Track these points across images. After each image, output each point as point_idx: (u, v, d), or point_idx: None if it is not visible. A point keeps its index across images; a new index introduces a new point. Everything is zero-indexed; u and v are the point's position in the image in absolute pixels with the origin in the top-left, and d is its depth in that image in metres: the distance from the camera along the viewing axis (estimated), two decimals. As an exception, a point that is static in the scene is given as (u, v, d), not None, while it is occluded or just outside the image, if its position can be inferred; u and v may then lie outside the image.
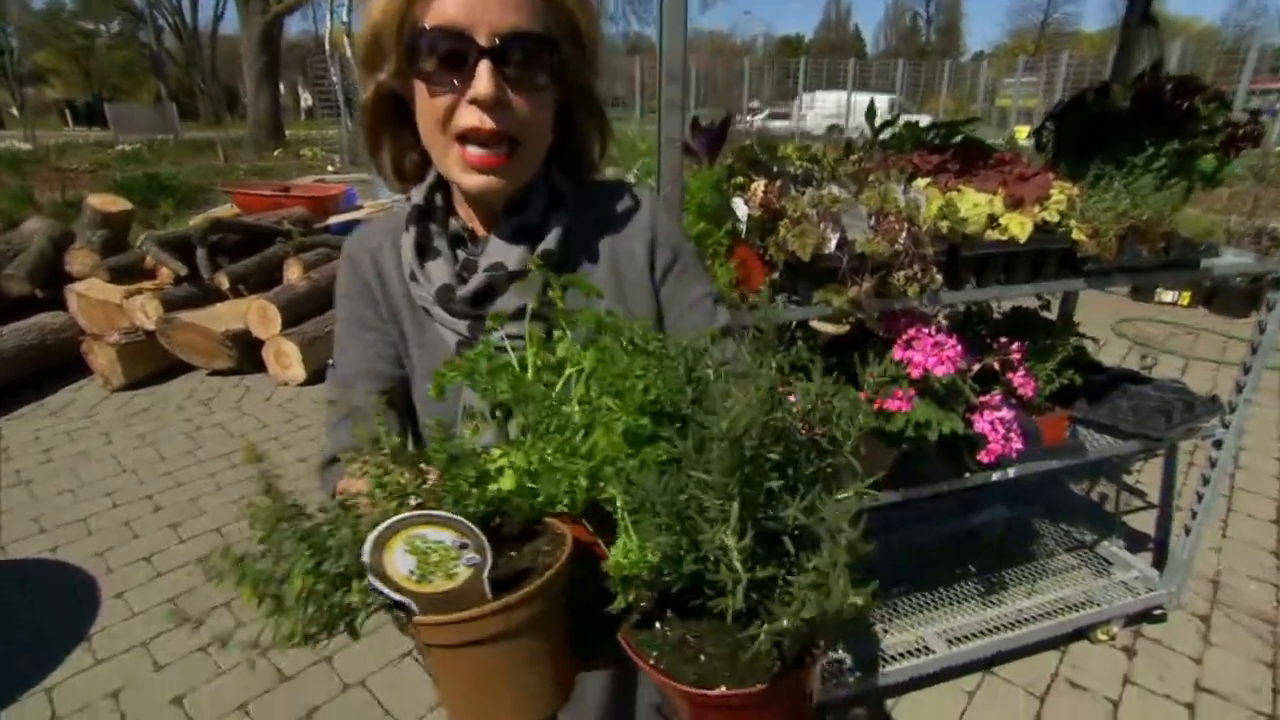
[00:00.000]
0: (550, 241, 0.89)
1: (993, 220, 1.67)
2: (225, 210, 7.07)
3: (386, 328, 0.94)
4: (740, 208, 1.63)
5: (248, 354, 4.55)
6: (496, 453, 0.65)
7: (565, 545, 0.62)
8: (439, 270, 0.89)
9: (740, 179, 1.77)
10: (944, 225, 1.62)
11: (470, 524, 0.55)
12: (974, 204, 1.65)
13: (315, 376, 4.46)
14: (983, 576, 2.38)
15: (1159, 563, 2.40)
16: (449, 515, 0.54)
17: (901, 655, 2.03)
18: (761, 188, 1.67)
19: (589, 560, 0.63)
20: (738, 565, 0.52)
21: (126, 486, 3.34)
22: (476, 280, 0.87)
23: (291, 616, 0.53)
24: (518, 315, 0.86)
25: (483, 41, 0.75)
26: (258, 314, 4.50)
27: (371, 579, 0.54)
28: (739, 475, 0.53)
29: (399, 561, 0.54)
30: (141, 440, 3.78)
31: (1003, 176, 1.72)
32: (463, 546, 0.55)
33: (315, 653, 2.28)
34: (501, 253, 0.88)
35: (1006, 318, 2.16)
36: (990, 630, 2.14)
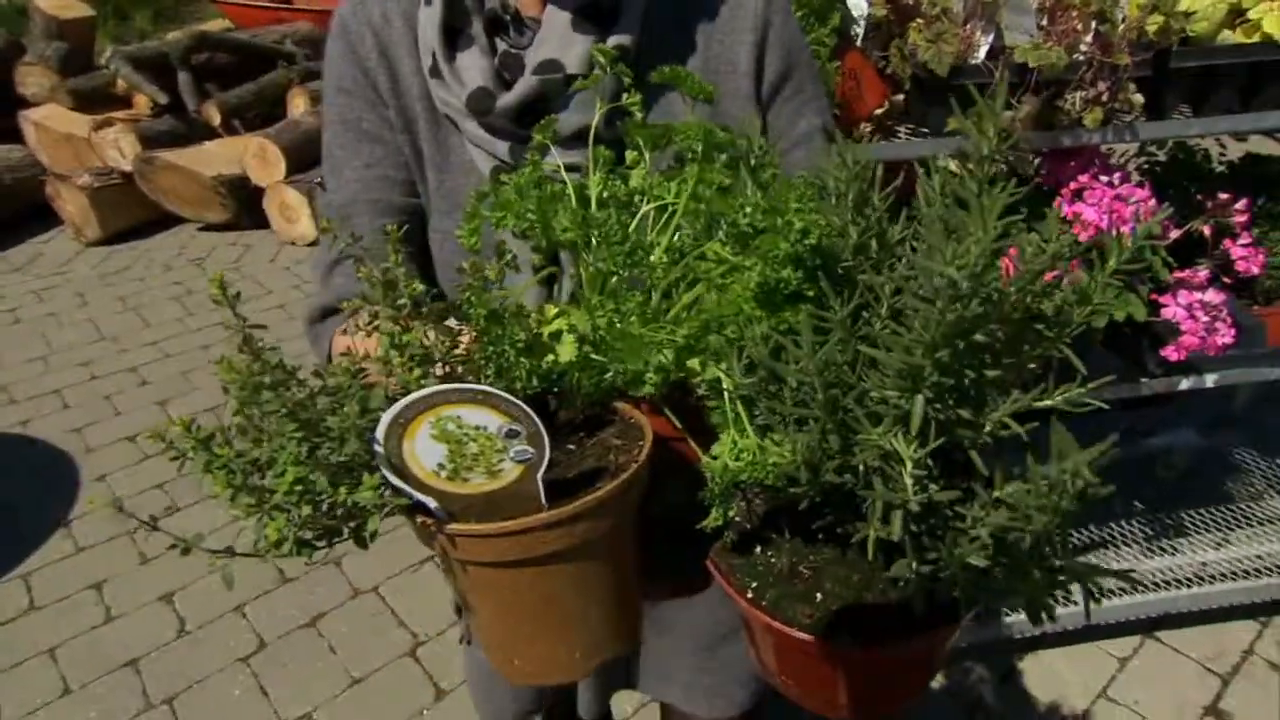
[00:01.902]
0: (626, 30, 0.80)
1: (1235, 14, 1.45)
2: (215, 24, 7.09)
3: (395, 139, 0.87)
4: (859, 4, 1.48)
5: (246, 205, 4.67)
6: (552, 311, 0.61)
7: (644, 440, 0.58)
8: (472, 66, 0.81)
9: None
10: (1152, 23, 1.41)
11: (521, 403, 0.50)
12: (1205, -10, 1.42)
13: (325, 235, 4.55)
14: (1154, 517, 2.26)
15: None
16: (494, 391, 0.50)
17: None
18: (889, -27, 1.50)
19: (672, 461, 0.60)
20: (908, 482, 0.47)
21: (106, 356, 3.56)
22: (525, 85, 0.79)
23: (281, 519, 0.50)
24: (578, 137, 0.78)
25: None
26: (257, 155, 4.57)
27: (386, 473, 0.50)
28: (941, 356, 0.46)
29: (424, 451, 0.50)
30: (123, 304, 4.00)
31: (1256, -53, 1.47)
32: (510, 435, 0.50)
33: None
34: (558, 44, 0.79)
35: (1233, 169, 1.92)
36: (1159, 585, 2.05)
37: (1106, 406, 0.52)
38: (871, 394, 0.49)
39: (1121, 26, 1.38)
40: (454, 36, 0.81)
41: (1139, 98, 1.40)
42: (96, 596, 2.37)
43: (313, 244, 4.54)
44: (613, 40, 0.79)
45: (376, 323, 0.56)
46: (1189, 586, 2.05)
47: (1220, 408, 2.62)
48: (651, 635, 1.07)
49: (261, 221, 4.67)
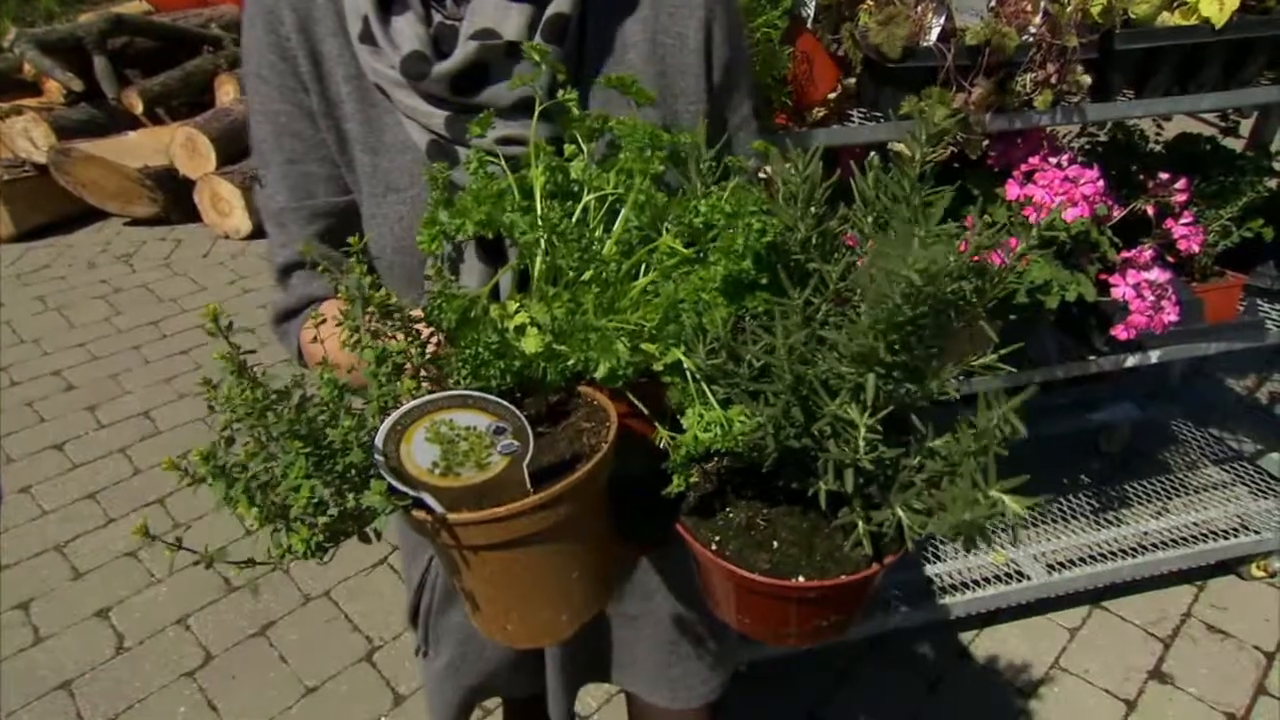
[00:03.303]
0: (562, 1, 0.75)
1: (1172, -1, 1.46)
2: (133, 6, 6.79)
3: (315, 132, 0.82)
4: (808, -16, 1.45)
5: (175, 198, 4.48)
6: (512, 306, 0.65)
7: (610, 422, 0.63)
8: (407, 30, 0.75)
9: (807, -61, 1.57)
10: (1096, 5, 1.41)
11: (509, 405, 0.56)
12: (1146, -29, 1.43)
13: (263, 230, 4.40)
14: (1098, 490, 2.32)
15: (1343, 483, 2.31)
16: (483, 396, 0.55)
17: (986, 580, 2.01)
18: (837, -47, 1.47)
19: (631, 436, 0.65)
20: (860, 445, 0.54)
21: (27, 360, 3.39)
22: (464, 51, 0.74)
23: (303, 529, 0.54)
24: (517, 110, 0.75)
25: None
26: (184, 146, 4.38)
27: (386, 475, 0.55)
28: (893, 340, 0.54)
29: (419, 453, 0.55)
30: (43, 304, 3.82)
31: (1193, -70, 1.48)
32: (498, 431, 0.56)
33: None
34: (494, 12, 0.74)
35: (1169, 148, 1.96)
36: (1103, 556, 2.10)
37: (1037, 383, 0.61)
38: (828, 371, 0.56)
39: (1069, 8, 1.38)
40: (386, 2, 0.76)
41: (1086, 79, 1.41)
42: (23, 616, 2.25)
43: (248, 238, 4.39)
44: (550, 9, 0.75)
45: (357, 337, 0.60)
46: (1132, 556, 2.10)
47: (1156, 382, 2.69)
48: (617, 627, 1.08)
49: (193, 215, 4.49)
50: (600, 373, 0.60)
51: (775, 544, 0.62)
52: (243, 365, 0.55)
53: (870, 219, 0.63)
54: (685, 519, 0.65)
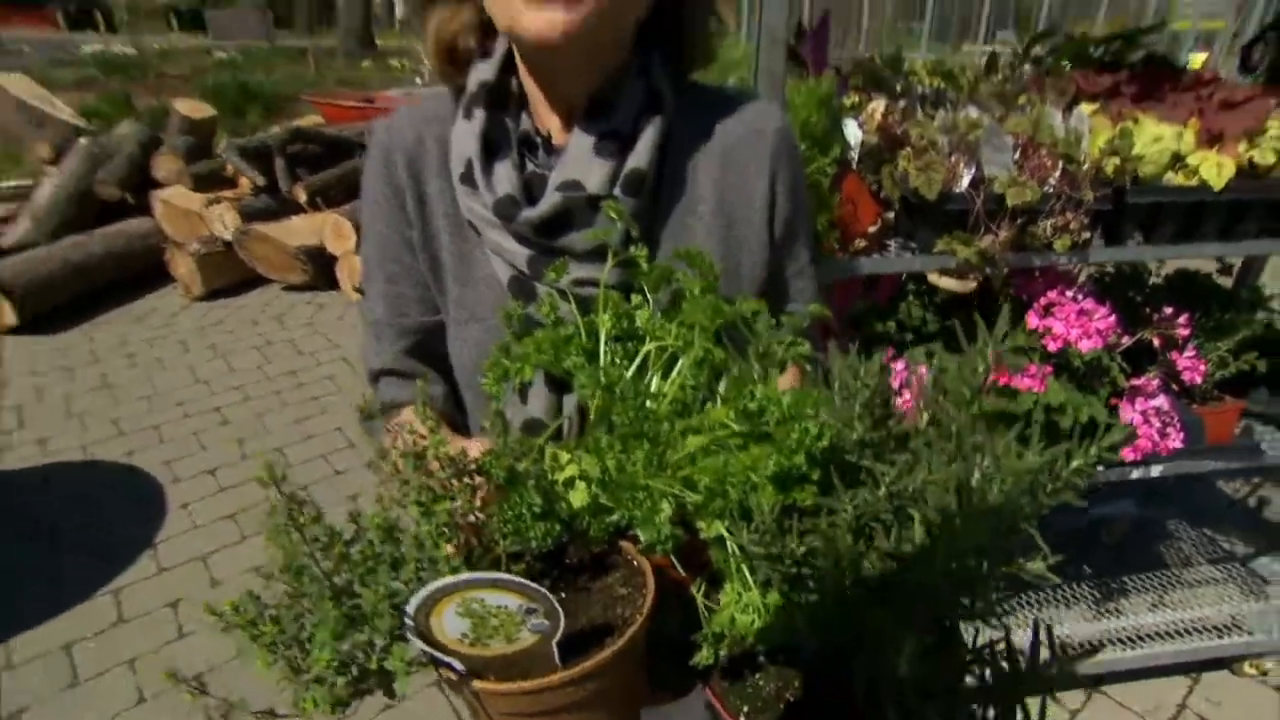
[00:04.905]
0: (641, 157, 0.73)
1: (1177, 160, 1.39)
2: (309, 120, 7.19)
3: (414, 261, 0.81)
4: (853, 131, 1.43)
5: (322, 270, 4.64)
6: (565, 457, 0.57)
7: (646, 590, 0.54)
8: (503, 177, 0.74)
9: (855, 97, 1.55)
10: (1110, 164, 1.35)
11: (541, 589, 0.47)
12: (1155, 137, 1.36)
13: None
14: (1099, 580, 2.14)
15: (1330, 590, 2.09)
16: (517, 580, 0.48)
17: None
18: (881, 109, 1.45)
19: (669, 588, 0.56)
20: (901, 660, 0.47)
21: (198, 397, 3.49)
22: (550, 201, 0.72)
23: (319, 689, 0.47)
24: (593, 255, 0.72)
25: None
26: (333, 229, 4.56)
27: (415, 641, 0.49)
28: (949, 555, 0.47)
29: (449, 624, 0.48)
30: (214, 352, 3.94)
31: (1198, 104, 1.42)
32: (529, 612, 0.48)
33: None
34: (580, 166, 0.73)
35: (1169, 282, 1.86)
36: (1103, 643, 1.93)
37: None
38: (873, 570, 0.47)
39: (1085, 166, 1.33)
40: (490, 149, 0.75)
41: (1095, 231, 1.34)
42: (172, 614, 2.26)
43: (377, 305, 4.50)
44: (629, 165, 0.73)
45: (416, 497, 0.52)
46: (1131, 646, 1.93)
47: (1155, 481, 2.51)
48: None
49: (333, 284, 4.65)
50: (642, 538, 0.53)
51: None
52: (293, 512, 0.49)
53: (928, 422, 0.54)
54: (715, 683, 0.56)
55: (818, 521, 0.49)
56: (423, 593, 0.46)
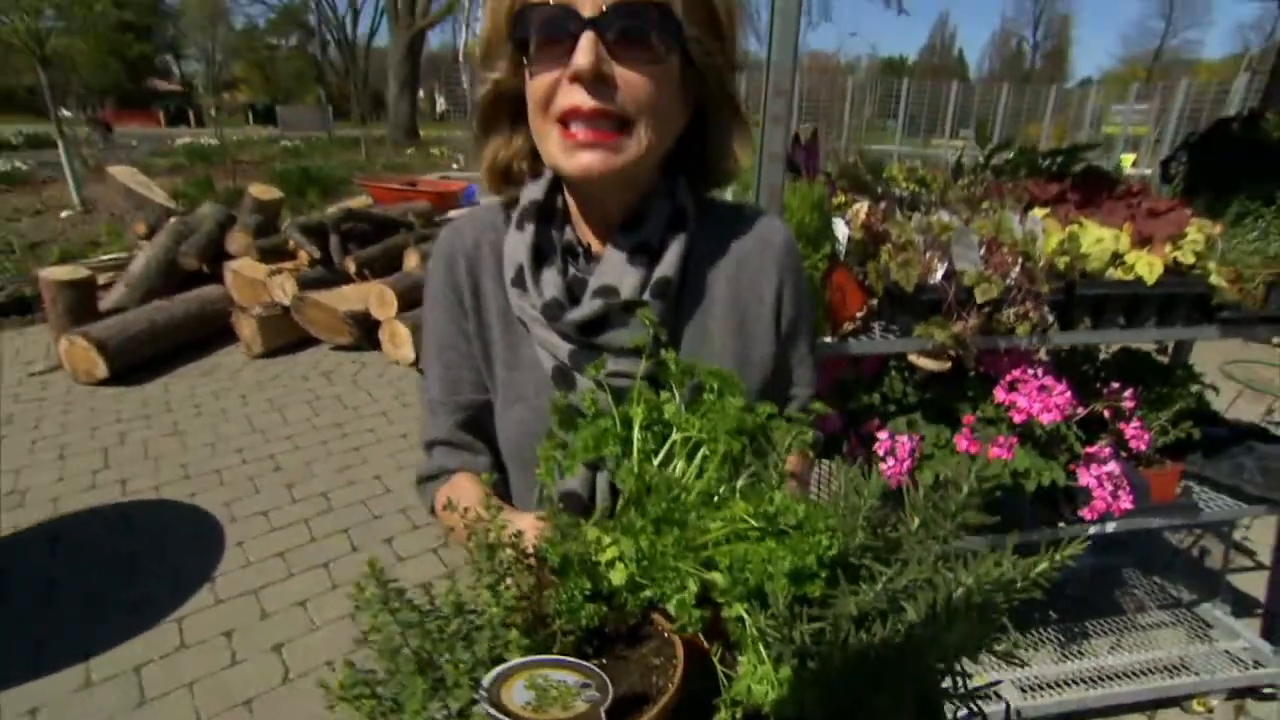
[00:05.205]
0: (668, 266, 0.76)
1: (1116, 258, 1.45)
2: (359, 201, 7.41)
3: (469, 349, 0.83)
4: (841, 229, 1.49)
5: (366, 333, 4.71)
6: (606, 539, 0.58)
7: (676, 661, 0.55)
8: (550, 282, 0.76)
9: (842, 197, 1.63)
10: (1062, 261, 1.42)
11: (596, 669, 0.51)
12: (1097, 239, 1.43)
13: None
14: (1063, 625, 2.12)
15: (1269, 633, 2.06)
16: (577, 661, 0.51)
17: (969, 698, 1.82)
18: (864, 209, 1.52)
19: (694, 649, 0.56)
20: None
21: (254, 445, 3.50)
22: (590, 305, 0.74)
23: None
24: (627, 351, 0.74)
25: (586, 12, 0.65)
26: (377, 297, 4.65)
27: (488, 708, 0.51)
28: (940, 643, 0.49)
29: (516, 694, 0.51)
30: (270, 404, 3.97)
31: (1130, 210, 1.49)
32: (584, 686, 0.51)
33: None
34: (615, 273, 0.75)
35: (1115, 359, 1.91)
36: (1069, 683, 1.90)
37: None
38: (870, 658, 0.49)
39: (1041, 263, 1.39)
40: (538, 257, 0.78)
41: (1051, 317, 1.39)
42: (226, 643, 2.22)
43: (411, 365, 4.55)
44: (658, 273, 0.76)
45: (489, 582, 0.55)
46: (1093, 686, 1.90)
47: (1111, 534, 2.50)
48: None
49: (376, 345, 4.70)
50: (674, 615, 0.54)
51: None
52: (390, 601, 0.52)
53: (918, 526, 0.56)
54: None
55: (824, 611, 0.51)
56: (498, 670, 0.49)
